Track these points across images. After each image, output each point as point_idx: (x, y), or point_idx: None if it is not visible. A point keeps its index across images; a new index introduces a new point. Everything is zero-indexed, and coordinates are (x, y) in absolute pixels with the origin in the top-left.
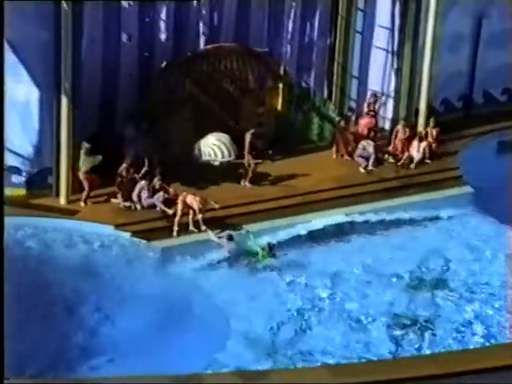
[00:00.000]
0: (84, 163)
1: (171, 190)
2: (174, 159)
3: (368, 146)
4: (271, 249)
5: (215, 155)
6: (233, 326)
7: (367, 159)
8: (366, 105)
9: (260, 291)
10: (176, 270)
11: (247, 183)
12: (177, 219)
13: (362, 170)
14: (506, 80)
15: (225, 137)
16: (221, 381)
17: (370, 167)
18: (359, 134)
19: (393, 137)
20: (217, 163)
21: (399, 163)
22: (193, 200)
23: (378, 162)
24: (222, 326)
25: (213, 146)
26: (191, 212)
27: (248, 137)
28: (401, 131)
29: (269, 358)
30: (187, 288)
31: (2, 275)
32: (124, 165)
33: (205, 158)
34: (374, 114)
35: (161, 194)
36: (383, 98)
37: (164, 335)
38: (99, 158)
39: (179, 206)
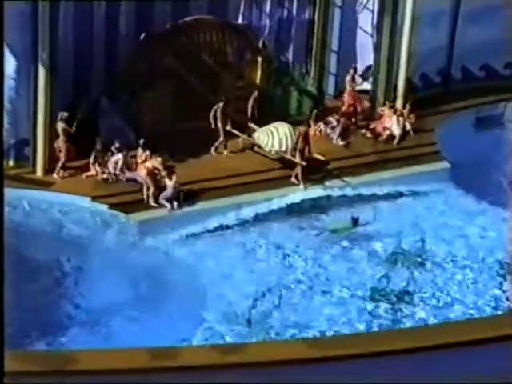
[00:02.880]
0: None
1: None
2: (152, 132)
3: (333, 120)
4: (356, 221)
5: (266, 143)
6: (211, 299)
7: (336, 133)
8: (347, 80)
9: (238, 263)
10: (154, 243)
11: (293, 179)
12: (151, 191)
13: (340, 143)
14: (485, 56)
15: (282, 127)
16: (198, 354)
17: (334, 141)
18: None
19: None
20: (267, 150)
21: (381, 139)
22: (153, 161)
23: (345, 135)
24: (200, 299)
25: (269, 133)
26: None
27: (297, 133)
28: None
29: (246, 330)
30: (165, 260)
31: (2, 268)
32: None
33: (258, 141)
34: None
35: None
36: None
37: (141, 308)
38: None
39: (148, 180)
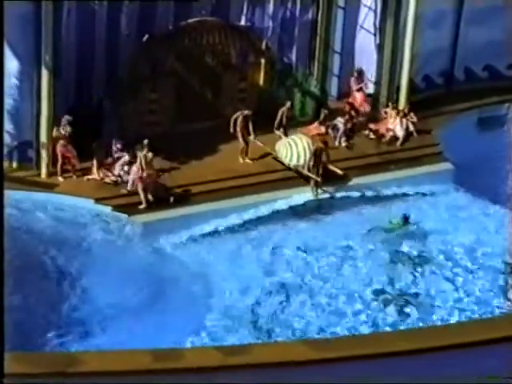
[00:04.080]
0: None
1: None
2: (155, 134)
3: (339, 122)
4: (407, 219)
5: (285, 156)
6: (215, 300)
7: (339, 134)
8: (352, 81)
9: (242, 265)
10: (157, 244)
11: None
12: (142, 196)
13: (343, 144)
14: (488, 57)
15: (301, 141)
16: (201, 356)
17: (337, 142)
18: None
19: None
20: (286, 163)
21: (384, 140)
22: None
23: (348, 136)
24: (204, 300)
25: (288, 146)
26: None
27: (315, 146)
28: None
29: (250, 331)
30: (168, 262)
31: (2, 268)
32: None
33: (278, 154)
34: (361, 89)
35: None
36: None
37: (145, 309)
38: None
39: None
